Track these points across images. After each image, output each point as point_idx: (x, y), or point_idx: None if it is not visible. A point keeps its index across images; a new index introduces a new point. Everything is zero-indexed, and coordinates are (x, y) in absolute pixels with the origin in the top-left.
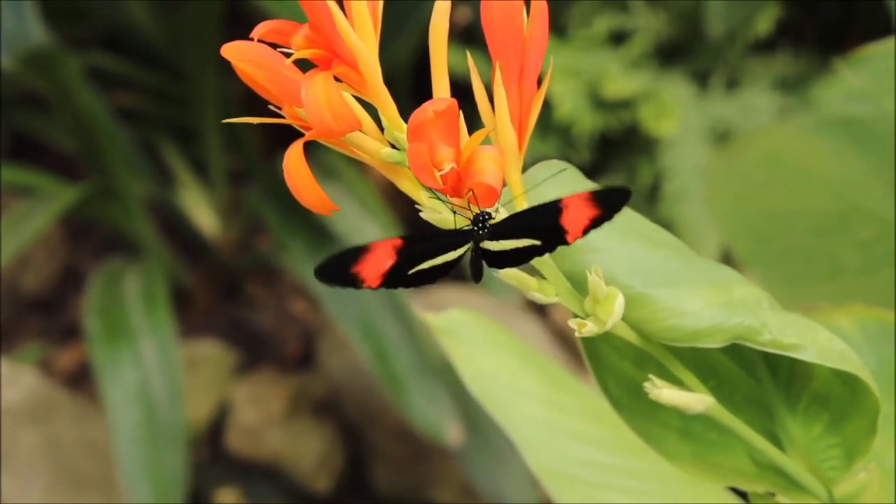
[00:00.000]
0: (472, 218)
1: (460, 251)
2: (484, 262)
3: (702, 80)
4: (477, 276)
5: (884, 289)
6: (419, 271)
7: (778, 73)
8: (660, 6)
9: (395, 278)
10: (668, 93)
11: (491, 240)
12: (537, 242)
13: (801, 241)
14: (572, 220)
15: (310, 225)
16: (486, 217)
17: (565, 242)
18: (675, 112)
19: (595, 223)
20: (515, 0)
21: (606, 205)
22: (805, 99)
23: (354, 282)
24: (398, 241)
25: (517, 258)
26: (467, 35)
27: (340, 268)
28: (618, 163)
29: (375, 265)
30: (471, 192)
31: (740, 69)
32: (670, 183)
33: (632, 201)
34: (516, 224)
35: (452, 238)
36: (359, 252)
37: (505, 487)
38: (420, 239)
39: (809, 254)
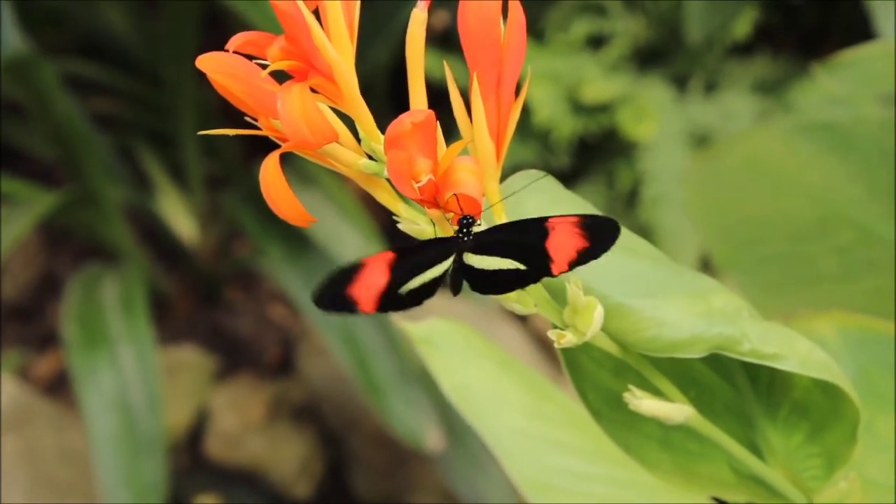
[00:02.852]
0: (457, 222)
1: (446, 264)
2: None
3: (680, 83)
4: (456, 290)
5: (862, 295)
6: (411, 291)
7: (756, 76)
8: (638, 10)
9: (389, 300)
10: (647, 97)
11: (475, 252)
12: (521, 266)
13: (780, 247)
14: (559, 247)
15: (288, 231)
16: (471, 221)
17: (550, 274)
18: (653, 116)
19: (582, 258)
20: (492, 8)
21: (596, 239)
22: (783, 102)
23: (351, 307)
24: (390, 256)
25: (500, 285)
26: (445, 39)
27: (337, 291)
28: (597, 167)
29: (369, 285)
30: (451, 205)
31: (719, 73)
32: (649, 187)
33: (610, 207)
34: (502, 237)
35: (440, 248)
36: (352, 272)
37: (485, 493)
38: (409, 251)
39: (788, 259)
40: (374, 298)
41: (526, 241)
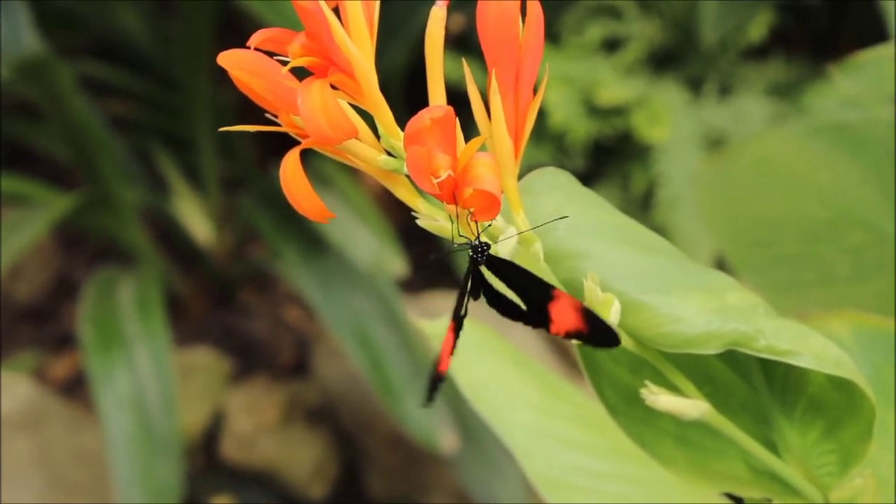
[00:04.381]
0: (472, 248)
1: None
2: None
3: (695, 86)
4: (476, 296)
5: (875, 296)
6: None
7: (770, 79)
8: (653, 13)
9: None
10: (661, 100)
11: (488, 268)
12: (523, 307)
13: (792, 248)
14: (560, 315)
15: (304, 232)
16: (486, 247)
17: (549, 330)
18: (668, 119)
19: (577, 338)
20: (511, 7)
21: (593, 332)
22: (797, 105)
23: (441, 378)
24: (451, 324)
25: (510, 313)
26: (461, 43)
27: (434, 380)
28: (612, 169)
29: (446, 353)
30: (470, 201)
31: (733, 76)
32: (663, 189)
33: (625, 210)
34: (511, 274)
35: (467, 281)
36: (435, 362)
37: (499, 495)
38: (457, 309)
39: (800, 260)
40: (448, 356)
41: (531, 294)
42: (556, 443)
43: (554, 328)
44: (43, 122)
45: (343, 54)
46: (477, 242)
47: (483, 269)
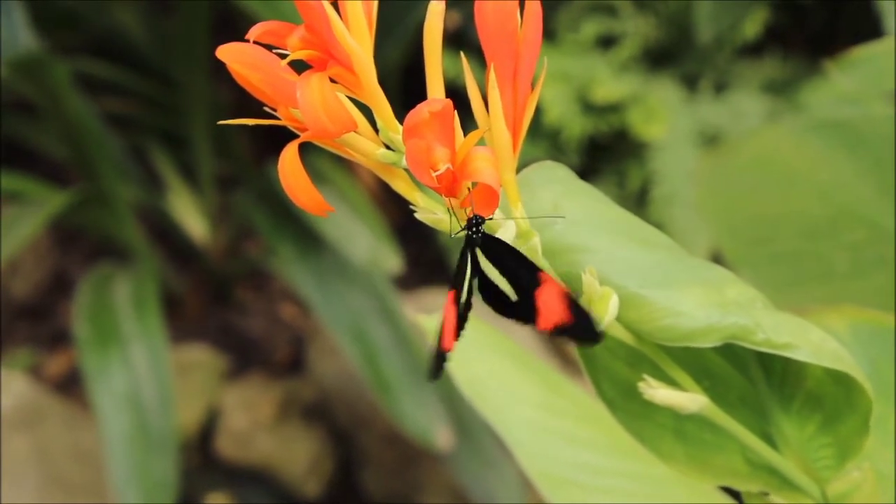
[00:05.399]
0: (468, 221)
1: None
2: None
3: (691, 83)
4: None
5: (873, 291)
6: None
7: (766, 76)
8: (648, 10)
9: (461, 327)
10: (657, 97)
11: (482, 251)
12: (513, 296)
13: (791, 245)
14: (546, 305)
15: (300, 229)
16: (480, 220)
17: (536, 324)
18: (663, 116)
19: (562, 331)
20: (510, 1)
21: (576, 326)
22: (793, 102)
23: (444, 357)
24: (451, 294)
25: (501, 307)
26: (457, 39)
27: (440, 356)
28: (607, 167)
29: (449, 329)
30: (469, 195)
31: (729, 73)
32: (659, 187)
33: (622, 205)
34: (502, 252)
35: (465, 258)
36: (440, 334)
37: (495, 491)
38: (456, 276)
39: (799, 257)
40: (453, 335)
41: (520, 277)
42: (556, 439)
43: (541, 322)
44: (39, 119)
45: (342, 47)
46: (473, 219)
47: (479, 252)
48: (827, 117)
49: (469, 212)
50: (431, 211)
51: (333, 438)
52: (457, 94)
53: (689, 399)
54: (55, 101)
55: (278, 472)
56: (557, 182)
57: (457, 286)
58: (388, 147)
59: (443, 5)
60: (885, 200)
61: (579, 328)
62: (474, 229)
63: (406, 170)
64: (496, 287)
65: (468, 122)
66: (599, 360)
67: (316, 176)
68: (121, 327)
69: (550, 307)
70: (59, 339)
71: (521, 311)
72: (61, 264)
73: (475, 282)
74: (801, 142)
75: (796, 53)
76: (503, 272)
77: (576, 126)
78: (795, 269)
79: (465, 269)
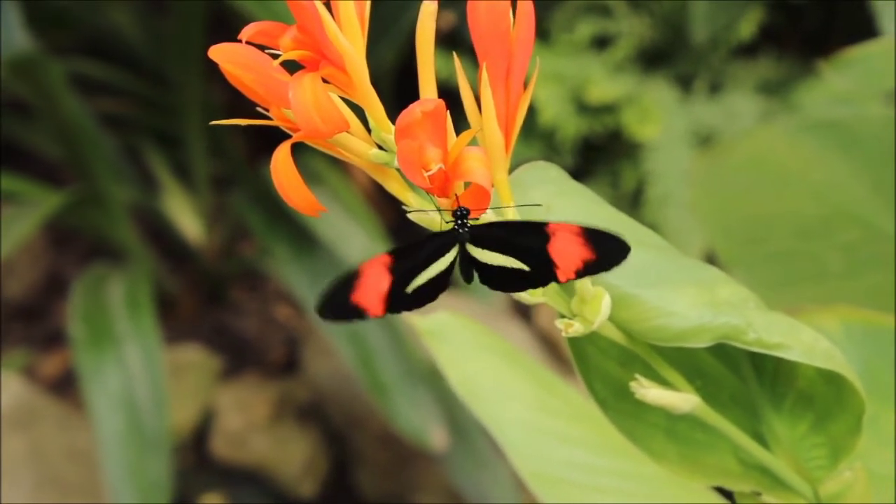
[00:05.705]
0: (452, 214)
1: (450, 256)
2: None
3: (685, 84)
4: (467, 278)
5: (867, 291)
6: (418, 288)
7: (761, 76)
8: (643, 11)
9: (397, 301)
10: (652, 97)
11: (474, 244)
12: (525, 267)
13: (785, 245)
14: (563, 254)
15: (294, 230)
16: (465, 213)
17: (556, 280)
18: (658, 116)
19: (589, 269)
20: (502, 1)
21: (603, 253)
22: (788, 103)
23: (358, 313)
24: (386, 258)
25: (508, 283)
26: (451, 40)
27: (341, 300)
28: (602, 167)
29: (372, 289)
30: (457, 194)
31: (723, 73)
32: (654, 187)
33: (616, 205)
34: (499, 235)
35: (438, 242)
36: (352, 279)
37: (489, 491)
38: (406, 249)
39: (793, 257)
40: (381, 302)
41: (526, 244)
42: (549, 438)
43: (562, 274)
44: (34, 119)
45: (334, 47)
46: (458, 211)
47: (470, 247)
48: (821, 117)
49: (453, 203)
50: (424, 211)
51: (328, 439)
52: (450, 94)
53: (681, 399)
54: (50, 101)
55: (273, 473)
56: (550, 182)
57: (399, 257)
58: (380, 147)
59: (435, 5)
60: (879, 200)
61: (608, 251)
62: (460, 223)
63: (398, 170)
64: (498, 268)
65: (461, 123)
66: (592, 359)
67: (310, 176)
68: (115, 327)
69: (569, 252)
70: (53, 339)
71: (537, 275)
72: (56, 265)
73: (461, 275)
74: (796, 142)
75: (791, 54)
76: (507, 250)
77: (570, 126)
78: (789, 269)
79: (428, 254)
